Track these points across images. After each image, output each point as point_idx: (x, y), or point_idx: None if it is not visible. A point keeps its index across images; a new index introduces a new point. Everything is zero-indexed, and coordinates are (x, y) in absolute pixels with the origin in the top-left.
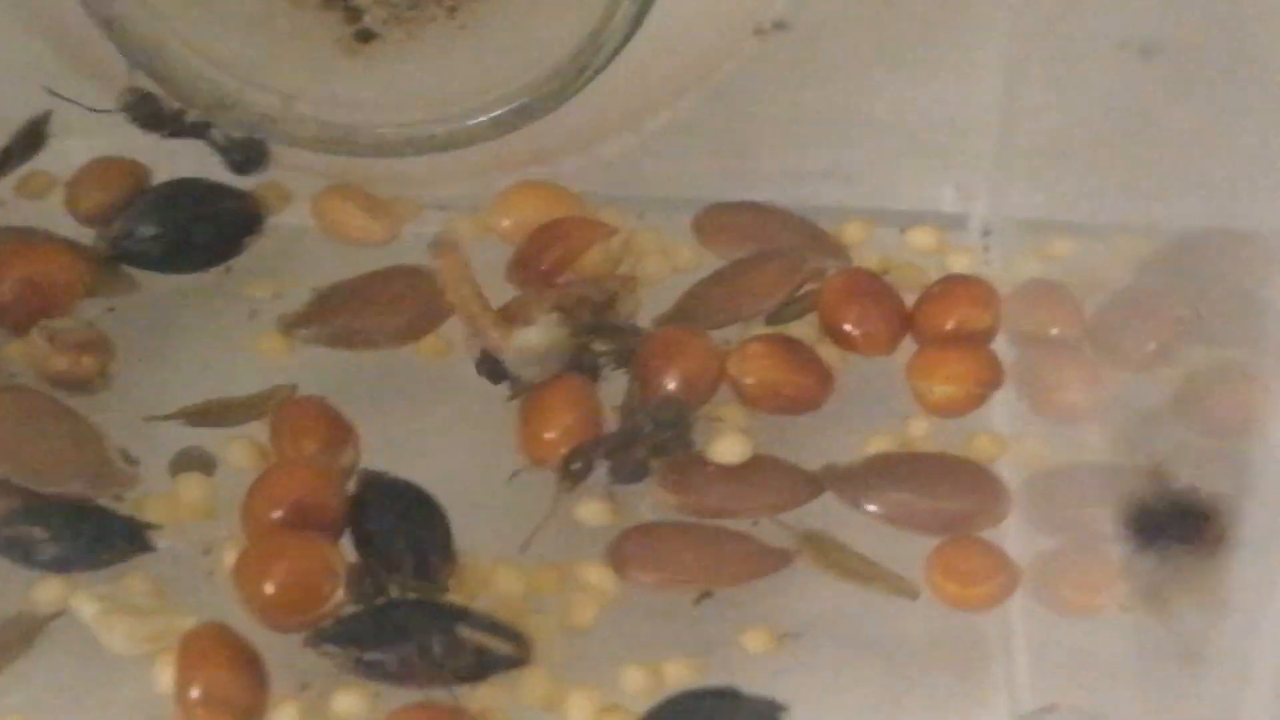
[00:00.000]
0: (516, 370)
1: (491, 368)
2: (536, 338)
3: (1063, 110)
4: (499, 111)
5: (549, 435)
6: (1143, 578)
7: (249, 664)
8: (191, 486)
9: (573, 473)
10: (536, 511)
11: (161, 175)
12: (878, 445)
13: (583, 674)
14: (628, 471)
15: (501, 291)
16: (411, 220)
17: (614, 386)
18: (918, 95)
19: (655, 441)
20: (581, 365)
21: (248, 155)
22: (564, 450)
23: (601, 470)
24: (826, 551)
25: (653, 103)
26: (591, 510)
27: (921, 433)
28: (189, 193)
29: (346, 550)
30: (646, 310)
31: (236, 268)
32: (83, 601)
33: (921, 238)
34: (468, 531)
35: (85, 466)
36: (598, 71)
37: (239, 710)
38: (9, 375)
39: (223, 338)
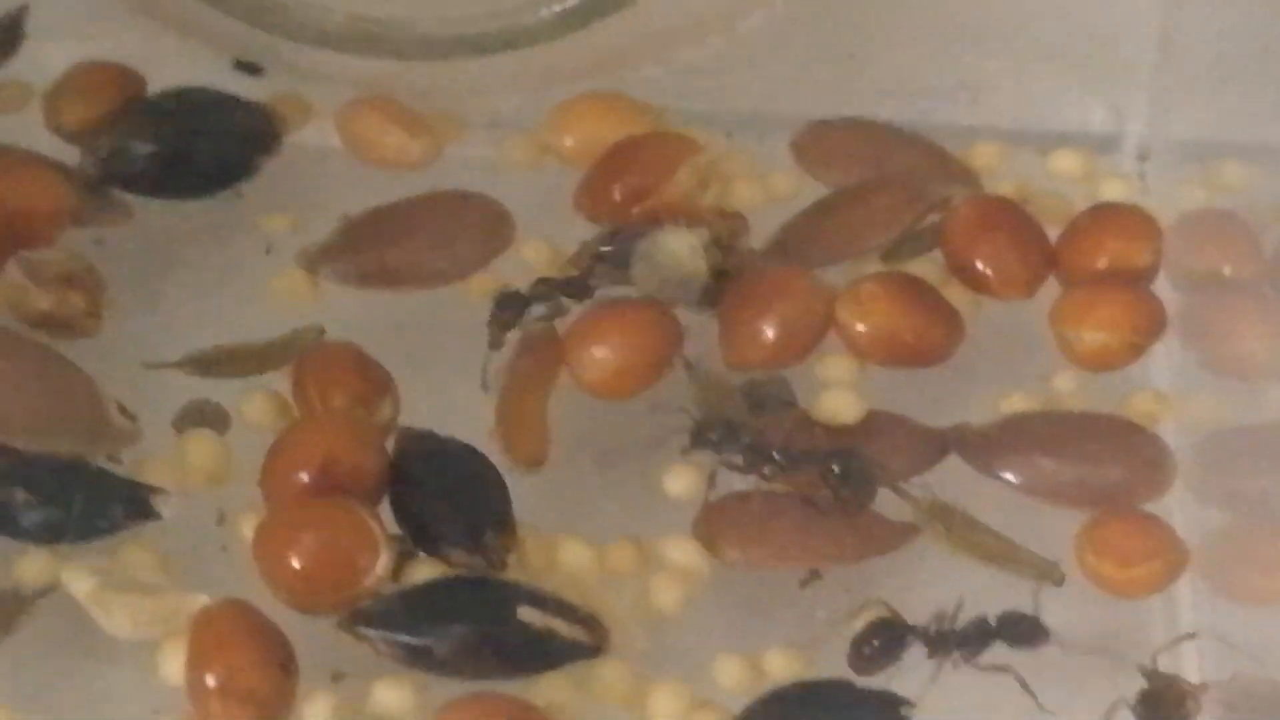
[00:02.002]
0: (642, 278)
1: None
2: (686, 251)
3: (1236, 9)
4: (565, 5)
5: (598, 353)
6: None
7: (274, 649)
8: (201, 446)
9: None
10: (611, 477)
11: (158, 84)
12: (1016, 404)
13: (667, 666)
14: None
15: (569, 225)
16: (455, 139)
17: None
18: None
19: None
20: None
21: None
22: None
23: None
24: (955, 527)
25: None
26: (679, 479)
27: (1068, 389)
28: (192, 104)
29: (386, 520)
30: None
31: (248, 193)
32: (76, 576)
33: (1066, 162)
34: (528, 499)
35: (75, 420)
36: None
37: (263, 702)
38: None
39: (234, 275)
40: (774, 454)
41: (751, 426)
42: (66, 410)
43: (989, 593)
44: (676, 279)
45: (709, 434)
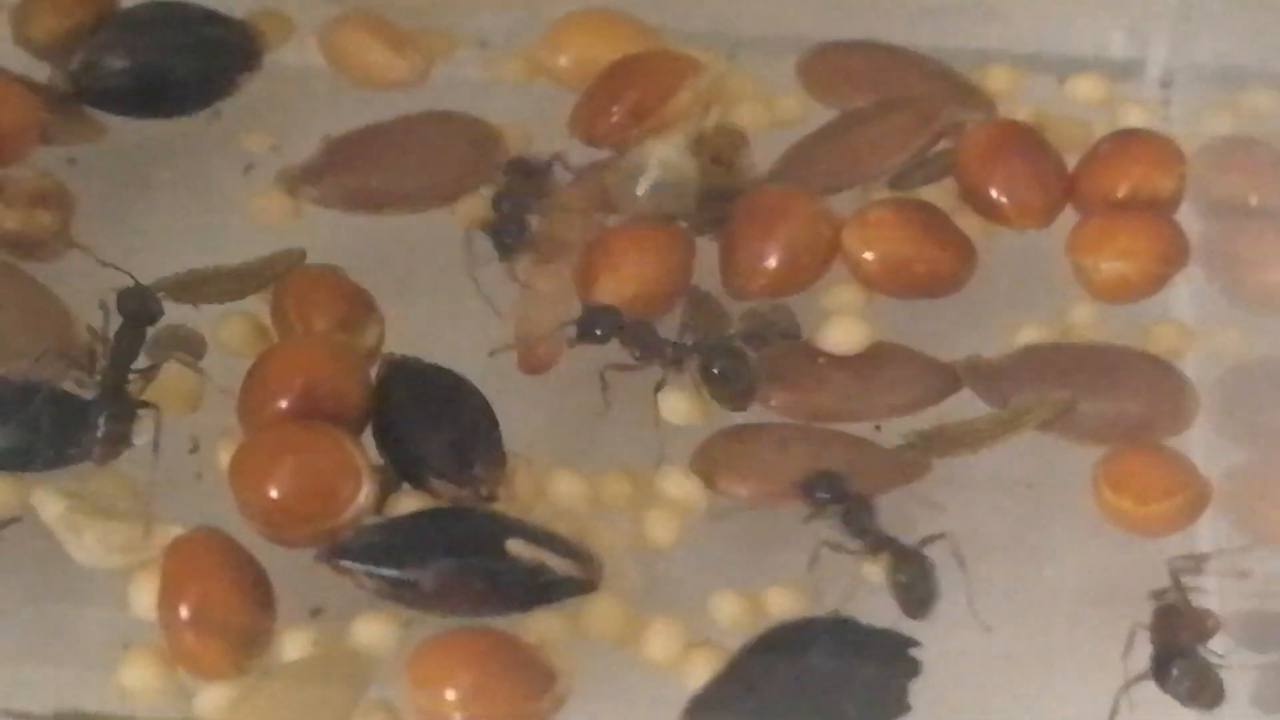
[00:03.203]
0: (636, 193)
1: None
2: (675, 156)
3: None
4: None
5: (611, 284)
6: None
7: (251, 579)
8: (175, 371)
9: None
10: (607, 408)
11: None
12: (1031, 335)
13: (663, 602)
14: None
15: (563, 147)
16: (445, 57)
17: None
18: None
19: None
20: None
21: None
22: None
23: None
24: (952, 436)
25: None
26: (676, 403)
27: (1086, 320)
28: (168, 18)
29: (369, 450)
30: None
31: (227, 112)
32: (46, 500)
33: (1085, 87)
34: (518, 430)
35: (43, 341)
36: None
37: (238, 634)
38: None
39: (211, 196)
40: (665, 345)
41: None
42: (34, 330)
43: (1003, 530)
44: (668, 186)
45: (592, 327)
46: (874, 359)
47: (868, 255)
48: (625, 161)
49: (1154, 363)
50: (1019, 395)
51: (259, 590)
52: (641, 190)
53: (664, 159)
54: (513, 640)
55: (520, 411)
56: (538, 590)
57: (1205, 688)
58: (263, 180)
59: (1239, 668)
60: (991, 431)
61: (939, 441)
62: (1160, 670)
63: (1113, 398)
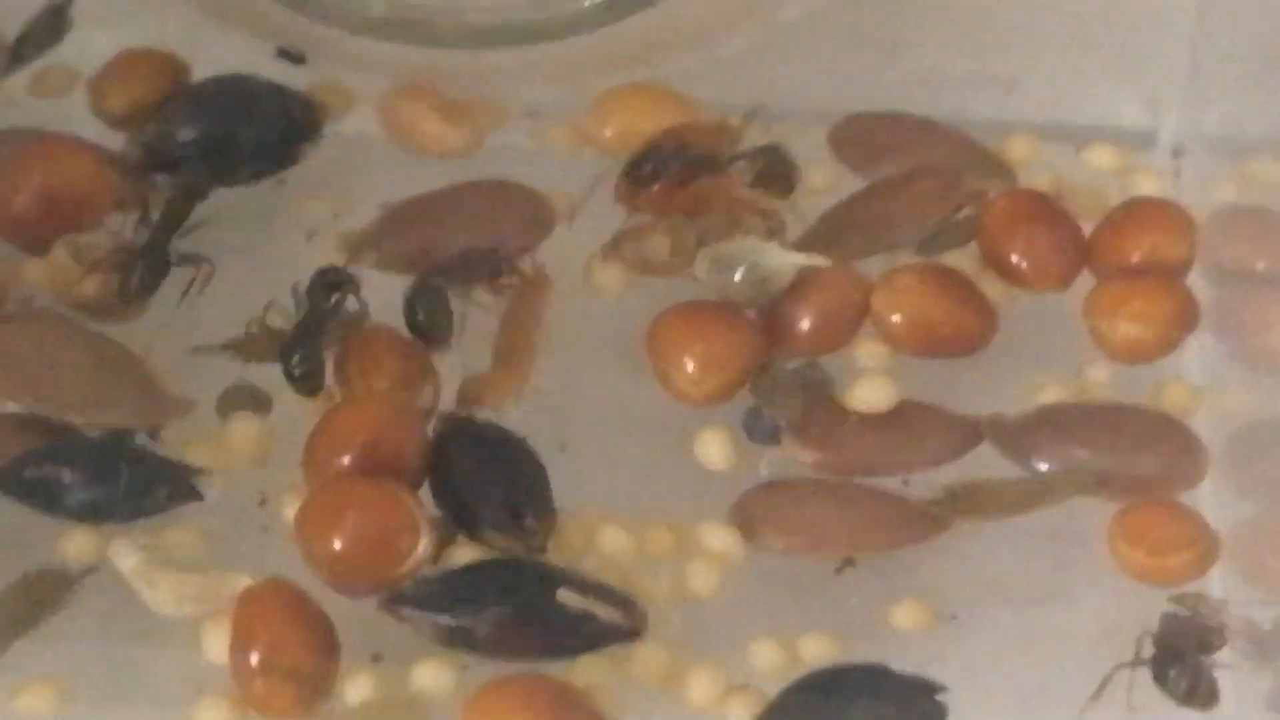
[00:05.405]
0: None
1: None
2: (771, 260)
3: (1272, 4)
4: None
5: (689, 367)
6: None
7: (317, 627)
8: (243, 428)
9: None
10: (650, 463)
11: (202, 71)
12: (1050, 395)
13: (704, 649)
14: (765, 429)
15: (608, 214)
16: (495, 127)
17: None
18: None
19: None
20: None
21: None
22: (705, 388)
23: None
24: (980, 499)
25: None
26: (713, 445)
27: (1102, 380)
28: (235, 92)
29: (426, 503)
30: None
31: (291, 180)
32: (122, 552)
33: (1101, 157)
34: (568, 484)
35: (123, 393)
36: None
37: (305, 680)
38: (26, 299)
39: (276, 260)
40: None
41: None
42: (113, 384)
43: (1027, 579)
44: (759, 281)
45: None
46: (901, 416)
47: (895, 317)
48: (723, 250)
49: (1166, 421)
50: (1048, 465)
51: (324, 637)
52: (739, 279)
53: (761, 259)
54: (563, 685)
55: (569, 467)
56: (586, 637)
57: (1199, 688)
58: (325, 246)
59: (1255, 673)
60: (1019, 503)
61: (965, 504)
62: (1159, 670)
63: (1127, 454)
